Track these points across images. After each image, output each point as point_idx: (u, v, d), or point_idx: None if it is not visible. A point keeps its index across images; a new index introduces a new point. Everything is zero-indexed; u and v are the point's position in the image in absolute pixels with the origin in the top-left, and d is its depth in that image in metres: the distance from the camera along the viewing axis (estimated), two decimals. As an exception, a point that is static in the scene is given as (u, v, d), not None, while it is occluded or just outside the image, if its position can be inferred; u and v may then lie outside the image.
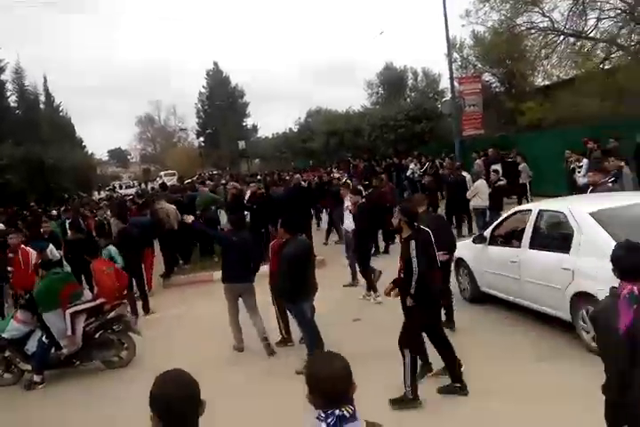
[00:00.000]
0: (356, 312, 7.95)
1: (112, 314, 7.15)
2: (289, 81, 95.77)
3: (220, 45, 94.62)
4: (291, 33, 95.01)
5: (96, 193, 37.80)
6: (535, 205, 7.21)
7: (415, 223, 5.20)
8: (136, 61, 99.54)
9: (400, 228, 5.31)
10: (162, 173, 52.79)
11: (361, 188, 12.51)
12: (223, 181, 17.76)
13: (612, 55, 16.62)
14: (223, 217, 12.40)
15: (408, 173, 19.22)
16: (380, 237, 11.84)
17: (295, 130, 43.67)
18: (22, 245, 9.16)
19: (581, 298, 5.72)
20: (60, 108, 47.29)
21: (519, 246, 6.80)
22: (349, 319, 7.67)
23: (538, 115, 16.22)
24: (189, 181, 28.82)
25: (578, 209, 6.18)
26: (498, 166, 15.02)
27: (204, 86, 63.85)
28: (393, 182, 17.35)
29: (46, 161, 25.11)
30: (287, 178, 18.51)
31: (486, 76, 22.72)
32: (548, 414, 4.58)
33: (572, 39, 17.58)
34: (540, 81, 19.69)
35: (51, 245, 9.96)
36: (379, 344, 5.90)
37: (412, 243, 5.03)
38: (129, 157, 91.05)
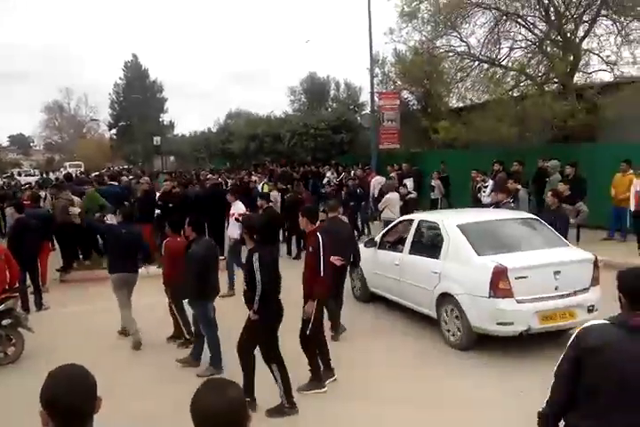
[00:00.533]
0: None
1: (1, 307, 6.64)
2: (210, 81, 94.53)
3: (141, 39, 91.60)
4: (216, 35, 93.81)
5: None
6: (417, 216, 8.19)
7: (255, 236, 5.38)
8: (46, 46, 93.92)
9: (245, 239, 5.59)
10: (67, 164, 50.05)
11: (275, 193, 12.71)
12: (131, 177, 16.99)
13: (521, 83, 17.76)
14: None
15: (324, 182, 19.49)
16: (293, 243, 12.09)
17: (214, 130, 43.00)
18: None
19: (445, 298, 6.64)
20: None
21: (401, 251, 7.63)
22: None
23: (451, 134, 16.99)
24: (97, 173, 27.54)
25: (448, 221, 7.11)
26: (409, 181, 15.61)
27: (120, 78, 61.44)
28: (309, 189, 17.50)
29: None
30: (204, 178, 18.09)
31: (405, 94, 23.49)
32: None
33: (485, 65, 18.59)
34: (454, 102, 20.66)
35: None
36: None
37: (255, 255, 5.14)
38: (32, 144, 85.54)
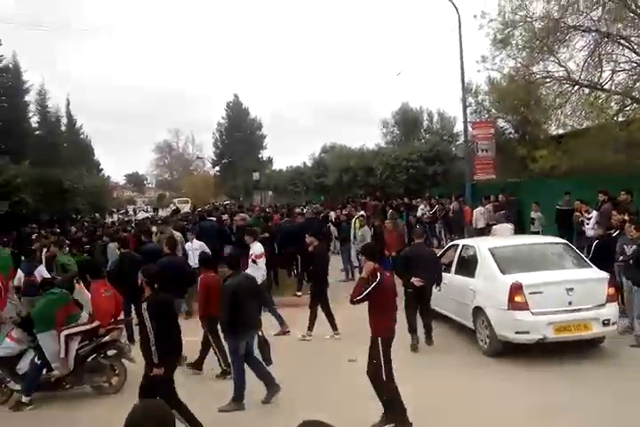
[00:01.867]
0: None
1: (106, 338, 7.10)
2: (306, 116, 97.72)
3: (241, 78, 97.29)
4: (310, 70, 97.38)
5: (108, 216, 38.22)
6: (461, 241, 9.57)
7: (156, 285, 5.38)
8: (158, 89, 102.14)
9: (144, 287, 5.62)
10: (175, 200, 53.38)
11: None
12: (225, 217, 17.27)
13: (627, 108, 16.73)
14: None
15: (418, 214, 19.27)
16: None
17: (309, 164, 44.15)
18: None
19: (478, 311, 7.74)
20: (81, 131, 48.42)
21: (450, 272, 8.76)
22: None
23: (550, 163, 16.24)
24: (200, 209, 29.05)
25: (482, 244, 8.38)
26: (507, 212, 15.05)
27: (223, 117, 65.20)
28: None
29: (63, 182, 25.52)
30: (300, 212, 18.44)
31: (500, 122, 22.88)
32: None
33: (586, 90, 17.74)
34: (553, 129, 19.81)
35: (40, 267, 9.99)
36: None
37: (144, 304, 5.14)
38: (145, 182, 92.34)
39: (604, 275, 7.54)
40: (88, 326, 7.16)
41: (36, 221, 20.84)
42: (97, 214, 32.00)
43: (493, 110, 22.61)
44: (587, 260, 8.00)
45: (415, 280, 7.85)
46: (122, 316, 8.17)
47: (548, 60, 19.10)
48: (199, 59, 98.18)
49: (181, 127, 72.80)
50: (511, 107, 20.75)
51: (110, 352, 7.10)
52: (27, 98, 31.88)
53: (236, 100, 64.69)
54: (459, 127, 34.57)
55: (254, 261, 9.10)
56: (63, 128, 41.91)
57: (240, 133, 61.27)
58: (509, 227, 12.26)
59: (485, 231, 14.83)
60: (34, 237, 15.95)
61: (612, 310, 7.32)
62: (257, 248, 9.34)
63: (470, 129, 20.68)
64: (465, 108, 19.81)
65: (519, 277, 7.29)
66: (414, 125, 38.85)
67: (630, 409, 5.53)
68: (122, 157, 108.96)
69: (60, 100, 43.85)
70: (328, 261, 9.65)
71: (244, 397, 6.20)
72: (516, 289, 7.12)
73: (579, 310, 7.11)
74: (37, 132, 33.16)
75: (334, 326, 8.96)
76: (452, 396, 6.17)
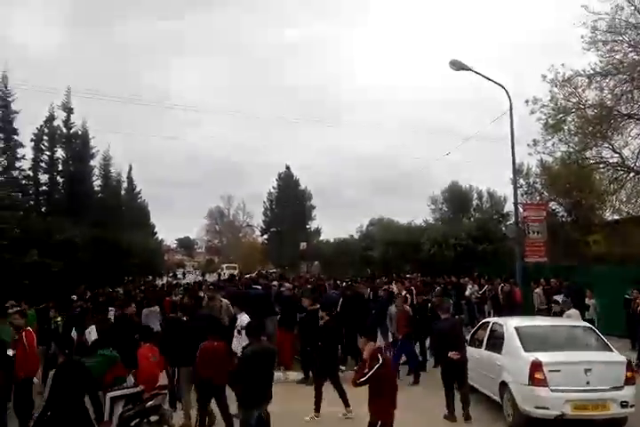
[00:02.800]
0: None
1: (150, 403, 7.11)
2: (354, 189, 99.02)
3: (294, 151, 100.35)
4: (361, 145, 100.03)
5: (158, 279, 39.04)
6: (492, 319, 10.09)
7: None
8: (213, 157, 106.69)
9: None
10: (224, 266, 54.15)
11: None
12: (274, 283, 17.44)
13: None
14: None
15: (466, 293, 18.89)
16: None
17: (356, 237, 44.38)
18: (28, 328, 9.03)
19: (504, 386, 8.19)
20: (139, 196, 50.67)
21: (480, 347, 9.27)
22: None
23: (604, 248, 15.90)
24: (248, 276, 29.34)
25: (510, 323, 8.90)
26: (560, 297, 14.57)
27: (274, 187, 67.08)
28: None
29: (120, 243, 26.54)
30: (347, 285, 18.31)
31: (552, 205, 22.77)
32: None
33: (642, 177, 17.67)
34: (608, 214, 19.55)
35: (91, 327, 10.19)
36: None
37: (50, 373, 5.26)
38: (195, 246, 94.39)
39: (623, 358, 7.94)
40: (133, 390, 7.20)
41: (89, 281, 21.53)
42: (150, 277, 32.74)
43: (545, 193, 22.60)
44: (609, 344, 8.33)
45: (452, 354, 8.23)
46: (166, 381, 8.22)
47: (602, 146, 19.22)
48: (254, 131, 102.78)
49: (234, 195, 75.14)
50: (563, 190, 20.73)
51: (153, 418, 7.06)
52: (92, 163, 33.94)
53: (288, 171, 66.77)
54: (509, 207, 34.48)
55: (239, 332, 8.87)
56: (123, 192, 44.01)
57: (289, 203, 62.70)
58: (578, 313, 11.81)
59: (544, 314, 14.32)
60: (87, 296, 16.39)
61: (630, 393, 7.57)
62: (243, 319, 9.13)
63: (521, 210, 20.56)
64: (516, 189, 19.83)
65: (540, 355, 7.71)
66: (463, 203, 38.95)
67: None
68: (175, 221, 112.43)
69: (122, 165, 46.39)
70: (339, 337, 9.60)
71: None
72: (536, 366, 7.56)
73: (596, 390, 7.43)
74: (99, 195, 34.91)
75: (346, 403, 8.58)
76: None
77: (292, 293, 13.68)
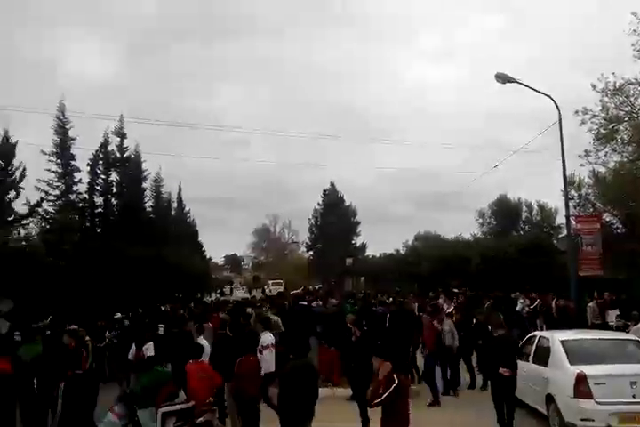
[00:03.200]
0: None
1: (200, 419, 7.25)
2: (399, 204, 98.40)
3: (338, 167, 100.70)
4: (407, 162, 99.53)
5: (207, 295, 39.72)
6: (539, 333, 10.47)
7: None
8: (260, 176, 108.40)
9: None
10: (270, 282, 54.56)
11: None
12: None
13: None
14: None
15: (518, 308, 18.37)
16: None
17: (402, 252, 43.99)
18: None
19: (550, 398, 8.35)
20: (188, 215, 51.88)
21: (528, 360, 9.36)
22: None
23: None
24: (294, 292, 29.40)
25: (556, 336, 9.11)
26: (615, 311, 14.07)
27: (319, 204, 67.34)
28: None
29: (170, 262, 27.23)
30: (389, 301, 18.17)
31: (606, 216, 22.02)
32: None
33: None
34: (665, 225, 18.79)
35: (149, 344, 10.46)
36: None
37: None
38: (242, 263, 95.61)
39: None
40: (184, 406, 7.36)
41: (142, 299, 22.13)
42: (199, 293, 33.35)
43: (598, 204, 21.91)
44: None
45: (503, 371, 8.21)
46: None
47: (656, 154, 18.56)
48: (298, 149, 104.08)
49: (279, 212, 75.91)
50: (618, 201, 20.06)
51: (203, 433, 7.20)
52: (144, 185, 35.05)
53: (332, 188, 67.01)
54: (560, 220, 33.55)
55: (260, 352, 8.71)
56: (173, 212, 45.19)
57: (334, 220, 62.79)
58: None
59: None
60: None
61: None
62: (265, 339, 8.98)
63: (573, 223, 19.97)
64: (567, 201, 19.26)
65: (585, 368, 7.82)
66: (512, 217, 38.13)
67: None
68: (222, 239, 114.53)
69: (173, 186, 47.66)
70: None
71: None
72: (581, 379, 7.68)
73: None
74: (151, 216, 35.95)
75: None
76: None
77: (337, 309, 13.62)
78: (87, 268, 18.86)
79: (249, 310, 16.97)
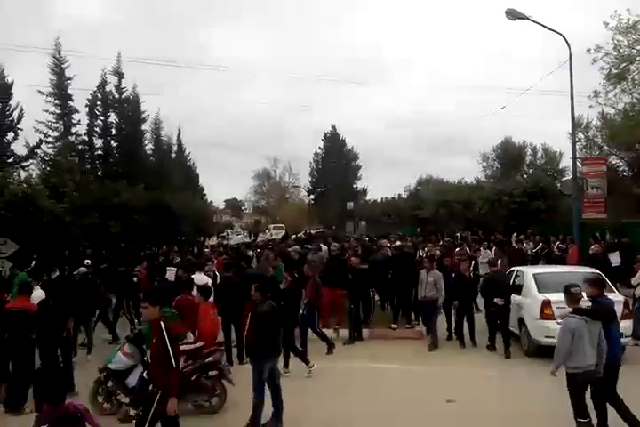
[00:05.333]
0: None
1: (209, 359, 7.35)
2: (401, 148, 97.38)
3: (340, 110, 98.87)
4: (408, 104, 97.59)
5: (208, 239, 40.00)
6: (517, 268, 11.78)
7: None
8: (260, 118, 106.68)
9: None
10: (271, 226, 54.85)
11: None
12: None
13: None
14: None
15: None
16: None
17: (404, 196, 43.89)
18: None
19: (521, 321, 10.13)
20: (189, 158, 51.31)
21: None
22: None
23: (669, 204, 15.14)
24: (296, 236, 29.57)
25: (529, 271, 10.95)
26: (615, 254, 14.11)
27: (320, 147, 66.70)
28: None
29: (171, 206, 27.16)
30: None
31: (613, 159, 21.71)
32: None
33: None
34: (673, 168, 18.51)
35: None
36: None
37: None
38: (243, 207, 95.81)
39: (621, 298, 9.60)
40: (192, 346, 7.46)
41: (146, 242, 22.24)
42: (201, 237, 33.50)
43: (605, 147, 21.54)
44: (612, 286, 10.04)
45: (497, 300, 9.78)
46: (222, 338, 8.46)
47: (669, 95, 18.02)
48: (299, 92, 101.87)
49: (280, 156, 75.16)
50: (626, 143, 19.68)
51: (212, 373, 7.32)
52: (143, 126, 34.39)
53: (334, 131, 66.10)
54: (564, 163, 33.20)
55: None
56: (173, 155, 44.65)
57: (336, 163, 62.33)
58: None
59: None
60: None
61: (625, 325, 9.07)
62: (200, 278, 10.11)
63: (579, 165, 19.69)
64: (574, 143, 18.91)
65: (550, 295, 9.32)
66: (516, 160, 37.67)
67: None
68: (223, 183, 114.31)
69: (173, 128, 46.72)
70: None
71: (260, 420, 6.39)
72: (546, 304, 9.37)
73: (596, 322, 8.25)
74: (151, 158, 35.52)
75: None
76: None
77: (339, 252, 13.65)
78: (88, 211, 18.79)
79: (250, 253, 17.13)
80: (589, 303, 6.26)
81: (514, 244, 18.77)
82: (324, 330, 10.97)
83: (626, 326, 9.08)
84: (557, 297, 8.79)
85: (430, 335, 10.71)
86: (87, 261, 13.36)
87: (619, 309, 8.68)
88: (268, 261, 11.99)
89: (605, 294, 8.09)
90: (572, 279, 8.95)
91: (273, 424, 6.58)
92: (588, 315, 5.91)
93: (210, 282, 10.40)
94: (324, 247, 16.06)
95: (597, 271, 10.07)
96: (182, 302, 8.29)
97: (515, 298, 10.31)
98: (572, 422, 5.80)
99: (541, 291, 9.72)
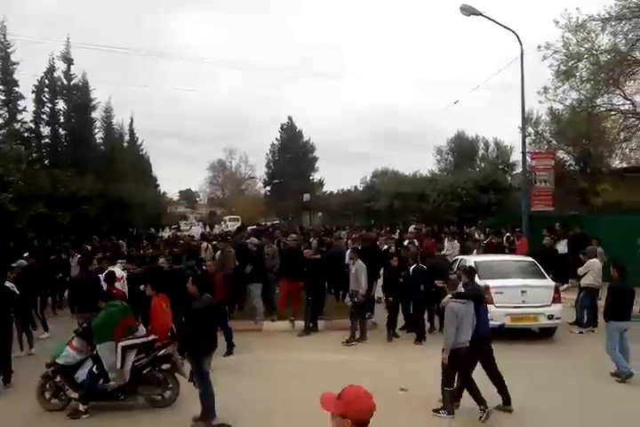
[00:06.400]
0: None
1: (162, 352, 7.22)
2: (357, 140, 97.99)
3: (297, 102, 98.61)
4: (365, 94, 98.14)
5: (161, 231, 39.24)
6: (461, 257, 12.70)
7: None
8: (215, 108, 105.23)
9: None
10: (226, 218, 54.28)
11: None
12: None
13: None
14: None
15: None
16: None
17: (360, 188, 44.18)
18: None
19: None
20: (141, 148, 50.05)
21: None
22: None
23: (613, 197, 15.73)
24: (252, 228, 29.33)
25: (470, 258, 11.82)
26: (563, 243, 14.62)
27: (277, 139, 66.27)
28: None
29: (123, 196, 26.45)
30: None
31: (561, 154, 22.43)
32: None
33: (654, 124, 17.27)
34: (617, 163, 19.27)
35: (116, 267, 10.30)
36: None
37: None
38: (198, 198, 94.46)
39: (552, 283, 10.58)
40: (145, 340, 7.31)
41: (95, 233, 21.59)
42: (152, 229, 32.86)
43: (554, 141, 22.22)
44: (545, 273, 10.88)
45: (437, 282, 10.01)
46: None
47: (614, 93, 18.75)
48: (256, 83, 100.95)
49: (236, 147, 74.33)
50: (573, 138, 20.36)
51: (165, 366, 7.20)
52: (94, 115, 33.29)
53: (291, 122, 65.80)
54: (515, 157, 34.10)
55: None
56: (125, 144, 43.49)
57: (292, 155, 62.12)
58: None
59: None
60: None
61: (556, 309, 10.29)
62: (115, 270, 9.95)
63: (529, 159, 20.26)
64: (524, 137, 19.44)
65: (489, 281, 10.10)
66: (470, 154, 38.50)
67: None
68: (177, 173, 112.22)
69: (125, 117, 45.42)
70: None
71: (216, 414, 6.38)
72: (486, 289, 9.59)
73: (529, 306, 10.15)
74: (101, 148, 34.48)
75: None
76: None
77: (295, 244, 13.56)
78: (35, 200, 18.10)
79: (204, 244, 16.87)
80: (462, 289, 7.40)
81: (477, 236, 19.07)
82: (278, 322, 11.06)
83: (556, 309, 10.27)
84: (496, 283, 10.27)
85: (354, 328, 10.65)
86: (26, 254, 12.90)
87: (549, 294, 10.28)
88: (225, 253, 11.86)
89: (537, 279, 10.51)
90: (508, 266, 11.25)
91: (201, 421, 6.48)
92: (465, 297, 6.81)
93: (124, 275, 10.42)
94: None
95: (531, 259, 11.50)
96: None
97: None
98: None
99: (482, 277, 10.16)
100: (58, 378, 7.09)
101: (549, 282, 10.58)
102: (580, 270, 11.43)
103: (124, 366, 7.00)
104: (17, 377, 8.07)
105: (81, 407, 6.85)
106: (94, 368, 6.97)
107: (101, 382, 7.01)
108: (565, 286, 13.88)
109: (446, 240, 16.80)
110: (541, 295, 10.24)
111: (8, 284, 8.94)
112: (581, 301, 11.31)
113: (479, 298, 7.09)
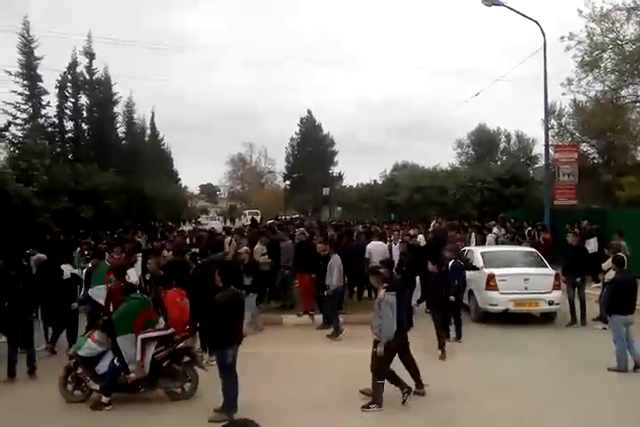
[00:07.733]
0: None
1: (181, 345, 7.28)
2: (378, 134, 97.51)
3: (316, 96, 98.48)
4: (385, 87, 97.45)
5: (182, 225, 39.57)
6: (468, 248, 13.51)
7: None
8: (234, 103, 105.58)
9: None
10: (246, 212, 54.54)
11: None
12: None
13: None
14: None
15: (489, 237, 18.65)
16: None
17: (380, 182, 43.99)
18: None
19: (471, 292, 11.46)
20: (162, 142, 50.53)
21: None
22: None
23: (638, 191, 15.39)
24: (271, 221, 29.41)
25: (478, 249, 12.84)
26: (593, 240, 14.35)
27: (296, 132, 66.23)
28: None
29: (144, 190, 26.74)
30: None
31: (584, 146, 22.01)
32: None
33: (681, 116, 16.84)
34: (643, 156, 18.88)
35: (131, 269, 10.31)
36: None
37: None
38: (218, 193, 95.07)
39: (553, 272, 11.26)
40: (164, 332, 7.36)
41: (117, 227, 21.90)
42: (170, 223, 33.16)
43: (577, 134, 21.81)
44: (546, 263, 11.63)
45: (431, 267, 9.75)
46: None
47: (639, 84, 18.30)
48: (277, 76, 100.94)
49: (256, 142, 74.47)
50: (597, 131, 19.96)
51: (184, 359, 7.26)
52: (115, 109, 33.67)
53: (310, 116, 65.66)
54: (537, 150, 33.58)
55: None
56: (147, 139, 43.90)
57: (311, 149, 62.04)
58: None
59: None
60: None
61: (556, 295, 11.00)
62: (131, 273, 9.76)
63: (552, 152, 19.92)
64: (547, 130, 19.12)
65: (494, 270, 11.08)
66: (490, 147, 38.02)
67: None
68: (198, 168, 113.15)
69: (146, 112, 45.84)
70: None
71: (237, 406, 6.35)
72: (491, 277, 10.95)
73: (531, 293, 10.89)
74: (123, 142, 34.86)
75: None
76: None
77: (307, 238, 13.42)
78: (58, 195, 18.38)
79: (228, 239, 16.91)
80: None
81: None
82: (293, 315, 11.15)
83: (556, 295, 10.96)
84: (500, 271, 11.05)
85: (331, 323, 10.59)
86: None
87: (550, 281, 10.98)
88: (239, 246, 11.92)
89: (538, 268, 11.28)
90: (512, 256, 12.01)
91: (221, 412, 6.43)
92: (394, 289, 6.84)
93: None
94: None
95: (533, 250, 12.43)
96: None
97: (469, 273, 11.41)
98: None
99: (487, 266, 11.31)
100: (79, 370, 7.19)
101: (550, 270, 11.32)
102: (605, 265, 11.20)
103: (144, 359, 7.07)
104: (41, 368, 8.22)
105: (104, 399, 6.93)
106: (115, 360, 7.06)
107: (122, 374, 7.09)
108: (597, 284, 13.50)
109: (473, 234, 16.96)
110: (542, 283, 10.96)
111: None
112: (605, 295, 11.08)
113: (401, 289, 7.25)
